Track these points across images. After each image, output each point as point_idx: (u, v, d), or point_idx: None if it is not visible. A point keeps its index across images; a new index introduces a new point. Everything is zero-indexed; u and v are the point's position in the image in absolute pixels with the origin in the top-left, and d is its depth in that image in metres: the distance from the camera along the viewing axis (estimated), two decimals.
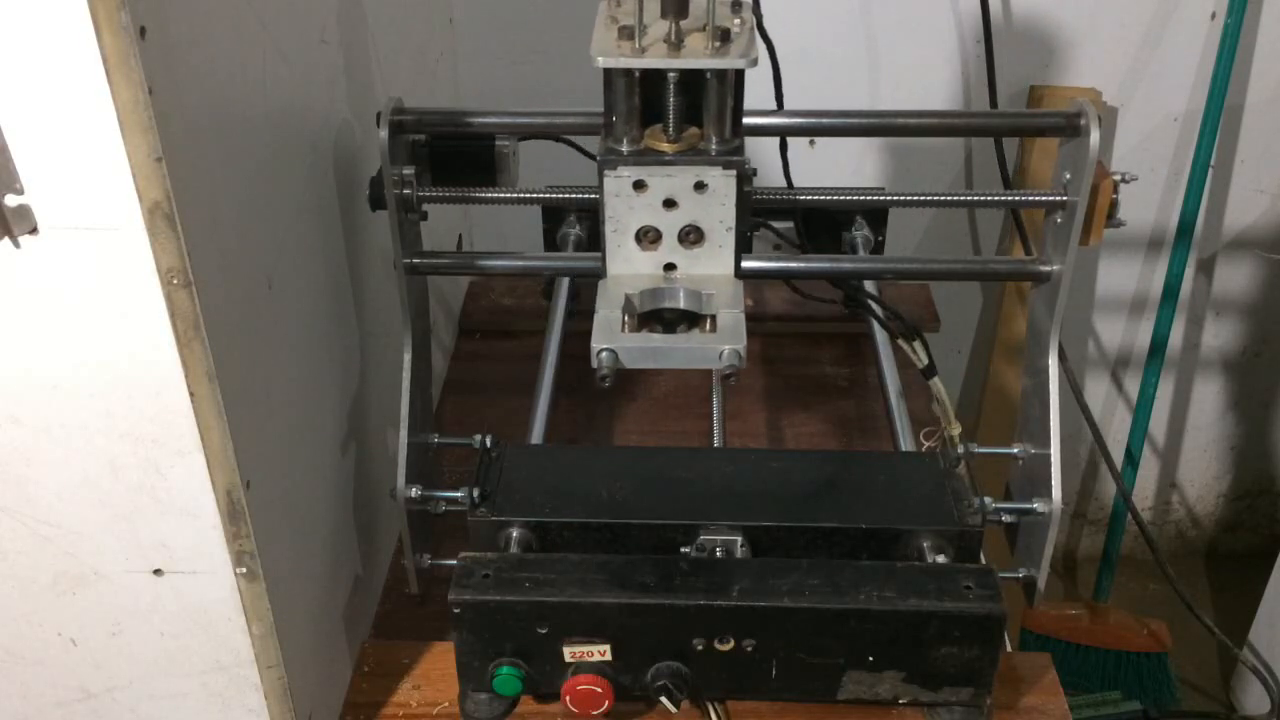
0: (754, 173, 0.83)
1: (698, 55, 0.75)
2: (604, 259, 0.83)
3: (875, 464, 1.01)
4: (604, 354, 0.76)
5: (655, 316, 0.81)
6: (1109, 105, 1.64)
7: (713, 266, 0.82)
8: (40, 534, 0.73)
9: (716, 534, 0.90)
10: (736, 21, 0.77)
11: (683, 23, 0.75)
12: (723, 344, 0.76)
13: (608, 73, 0.78)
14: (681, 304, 0.80)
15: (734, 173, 0.79)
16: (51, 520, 0.72)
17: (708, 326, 0.80)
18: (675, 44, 0.75)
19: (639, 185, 0.80)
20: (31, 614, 0.77)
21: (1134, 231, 1.76)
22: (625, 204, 0.81)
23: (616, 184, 0.80)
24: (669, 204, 0.81)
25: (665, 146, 0.80)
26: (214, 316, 0.66)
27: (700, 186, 0.80)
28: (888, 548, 0.90)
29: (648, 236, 0.82)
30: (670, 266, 0.83)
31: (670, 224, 0.81)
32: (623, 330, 0.78)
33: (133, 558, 0.74)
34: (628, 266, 0.83)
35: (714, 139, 0.80)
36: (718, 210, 0.81)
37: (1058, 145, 0.91)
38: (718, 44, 0.75)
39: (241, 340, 0.71)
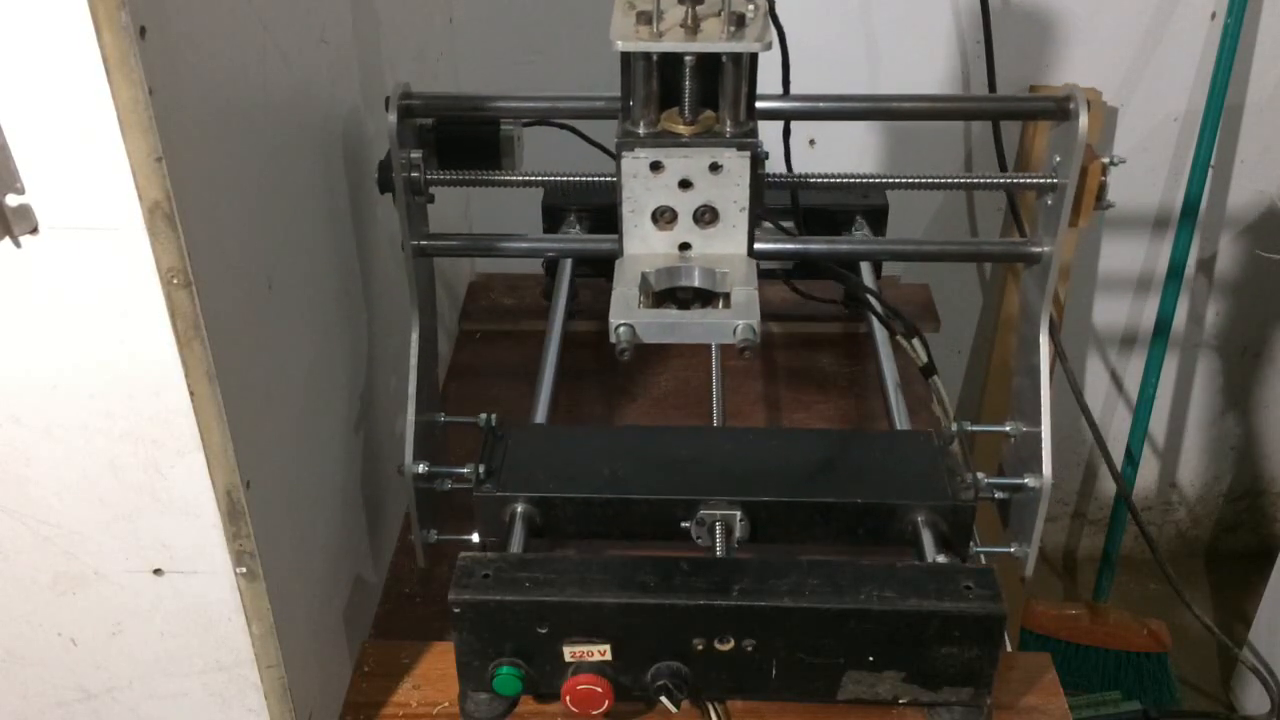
0: (766, 155, 0.85)
1: (713, 39, 0.77)
2: (621, 239, 0.85)
3: (871, 442, 1.03)
4: (622, 329, 0.77)
5: (670, 296, 0.83)
6: (1109, 105, 1.64)
7: (727, 246, 0.84)
8: (40, 534, 0.73)
9: (716, 509, 0.92)
10: (751, 7, 0.79)
11: (698, 8, 0.77)
12: (737, 319, 0.78)
13: (626, 57, 0.80)
14: (696, 282, 0.83)
15: (748, 154, 0.81)
16: (51, 520, 0.73)
17: (721, 304, 0.82)
18: (692, 29, 0.77)
19: (656, 166, 0.82)
20: (31, 614, 0.77)
21: (1134, 231, 1.76)
22: (642, 185, 0.83)
23: (634, 165, 0.82)
24: (685, 185, 0.83)
25: (681, 129, 0.82)
26: (214, 316, 0.66)
27: (715, 167, 0.82)
28: (883, 522, 0.93)
29: (664, 217, 0.84)
30: (685, 246, 0.85)
31: (686, 204, 0.83)
32: (640, 306, 0.80)
33: (133, 558, 0.74)
34: (644, 246, 0.85)
35: (729, 122, 0.82)
36: (732, 191, 0.83)
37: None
38: (733, 29, 0.77)
39: (241, 340, 0.71)
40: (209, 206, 0.66)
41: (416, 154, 0.91)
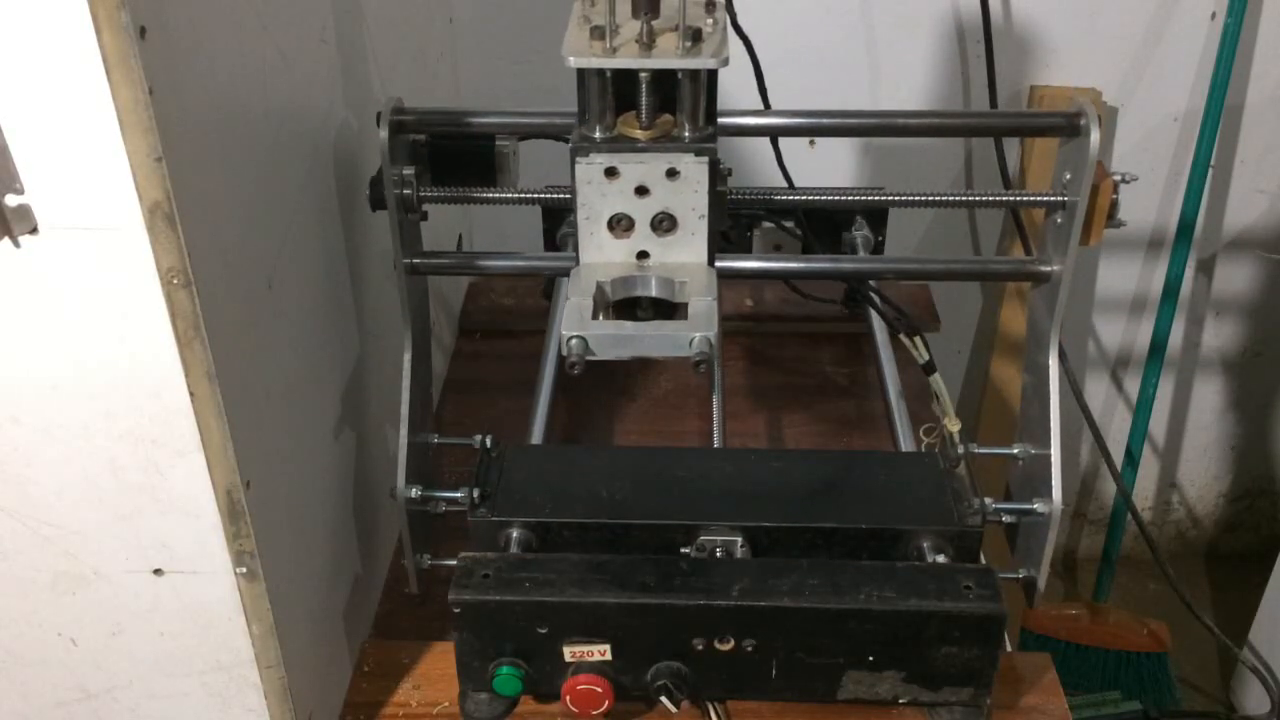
0: (729, 172, 0.82)
1: (668, 55, 0.75)
2: (577, 248, 0.82)
3: (875, 464, 1.01)
4: (573, 341, 0.75)
5: (631, 305, 0.80)
6: (1109, 105, 1.64)
7: (685, 255, 0.81)
8: (40, 534, 0.73)
9: (716, 534, 0.90)
10: (709, 21, 0.77)
11: (654, 22, 0.75)
12: (694, 331, 0.75)
13: (580, 72, 0.78)
14: (653, 292, 0.80)
15: (706, 160, 0.78)
16: (51, 520, 0.73)
17: (682, 314, 0.79)
18: (647, 44, 0.75)
19: (611, 172, 0.79)
20: (31, 614, 0.77)
21: (1134, 232, 1.76)
22: (597, 191, 0.79)
23: (588, 171, 0.79)
24: (641, 191, 0.79)
25: (638, 133, 0.79)
26: (214, 316, 0.66)
27: (672, 174, 0.79)
28: (887, 548, 0.90)
29: (620, 224, 0.81)
30: (643, 255, 0.82)
31: (643, 212, 0.80)
32: (594, 318, 0.78)
33: (133, 558, 0.74)
34: (600, 255, 0.82)
35: (687, 127, 0.79)
36: (690, 198, 0.79)
37: (1058, 146, 0.91)
38: (689, 44, 0.75)
39: (241, 340, 0.71)
40: (209, 206, 0.66)
41: (409, 170, 0.90)
